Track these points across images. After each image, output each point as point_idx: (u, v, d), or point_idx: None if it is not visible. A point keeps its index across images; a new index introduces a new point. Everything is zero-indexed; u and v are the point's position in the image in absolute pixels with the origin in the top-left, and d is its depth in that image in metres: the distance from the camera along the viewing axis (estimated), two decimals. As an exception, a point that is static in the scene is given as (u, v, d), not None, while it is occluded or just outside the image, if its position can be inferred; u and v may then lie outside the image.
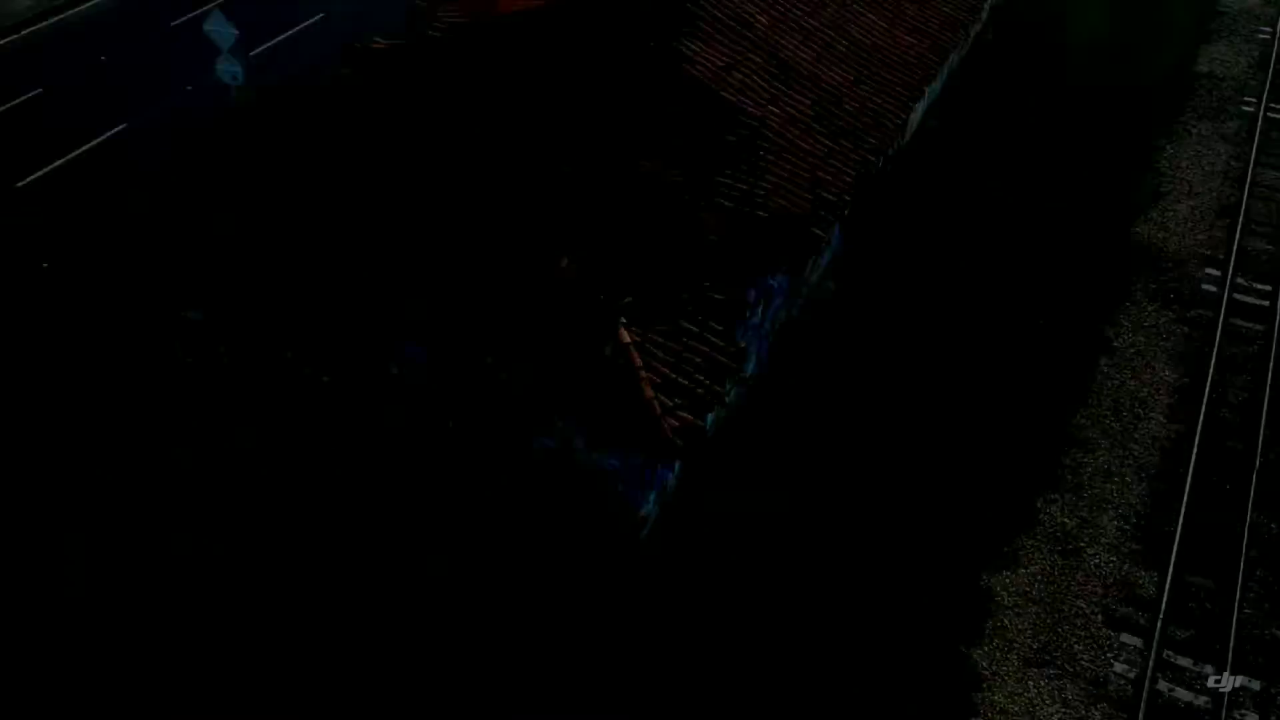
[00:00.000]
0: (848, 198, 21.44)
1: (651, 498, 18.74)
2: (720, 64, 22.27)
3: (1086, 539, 19.52)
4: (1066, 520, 19.86)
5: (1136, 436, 21.42)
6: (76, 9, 34.30)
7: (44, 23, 33.53)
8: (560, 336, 17.50)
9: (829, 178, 21.38)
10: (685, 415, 16.97)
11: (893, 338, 23.43)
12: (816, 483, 20.23)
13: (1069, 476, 20.67)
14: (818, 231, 20.24)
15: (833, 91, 23.21)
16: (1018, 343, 23.42)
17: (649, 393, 16.84)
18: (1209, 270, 25.38)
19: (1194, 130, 30.37)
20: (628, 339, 17.34)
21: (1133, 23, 34.92)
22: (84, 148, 27.75)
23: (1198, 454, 20.90)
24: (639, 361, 17.12)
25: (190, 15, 33.59)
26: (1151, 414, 21.88)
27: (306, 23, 33.92)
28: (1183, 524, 19.62)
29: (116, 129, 28.52)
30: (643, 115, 21.66)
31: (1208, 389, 22.12)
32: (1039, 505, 20.13)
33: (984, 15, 32.96)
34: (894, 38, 25.49)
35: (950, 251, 25.73)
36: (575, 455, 18.25)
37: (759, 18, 23.77)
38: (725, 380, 17.89)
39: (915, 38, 25.86)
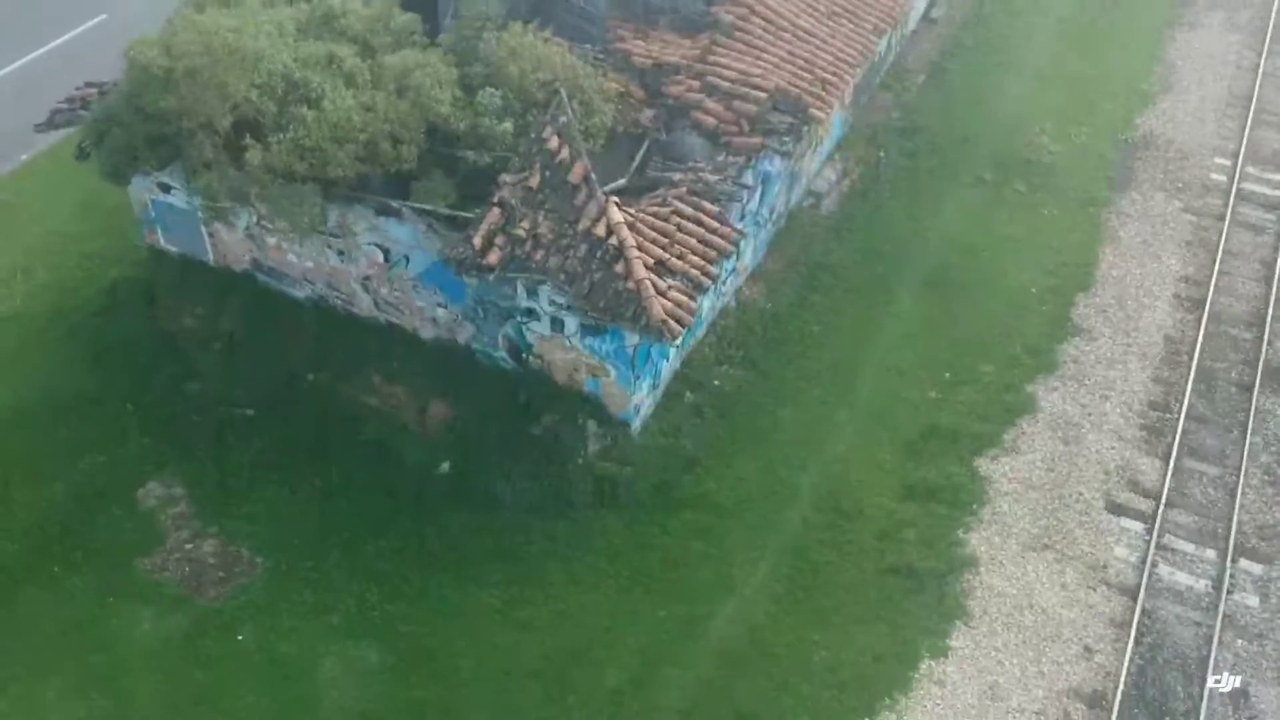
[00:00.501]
0: (848, 77, 20.73)
1: (645, 384, 18.37)
2: (716, -59, 21.40)
3: (1089, 425, 19.17)
4: (1069, 407, 19.50)
5: (1141, 325, 21.00)
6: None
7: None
8: (552, 215, 16.97)
9: (829, 57, 20.65)
10: (679, 295, 16.51)
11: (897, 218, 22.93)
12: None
13: (1071, 365, 20.26)
14: (817, 110, 19.57)
15: (833, -29, 22.34)
16: (1022, 234, 22.87)
17: (641, 272, 16.34)
18: (1218, 160, 24.71)
19: (1205, 21, 29.48)
20: (619, 217, 16.80)
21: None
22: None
23: (1203, 341, 20.47)
24: (631, 240, 16.60)
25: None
26: (1157, 303, 21.42)
27: None
28: (1186, 411, 19.26)
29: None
30: (636, -7, 20.93)
31: (1215, 277, 21.67)
32: (1040, 393, 19.74)
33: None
34: (897, -82, 24.48)
35: (961, 140, 25.09)
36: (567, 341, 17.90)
37: (757, -106, 22.80)
38: (720, 262, 17.40)
39: (919, -82, 24.89)
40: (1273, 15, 29.31)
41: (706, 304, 19.87)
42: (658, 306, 16.13)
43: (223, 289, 20.26)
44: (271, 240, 19.60)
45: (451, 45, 18.71)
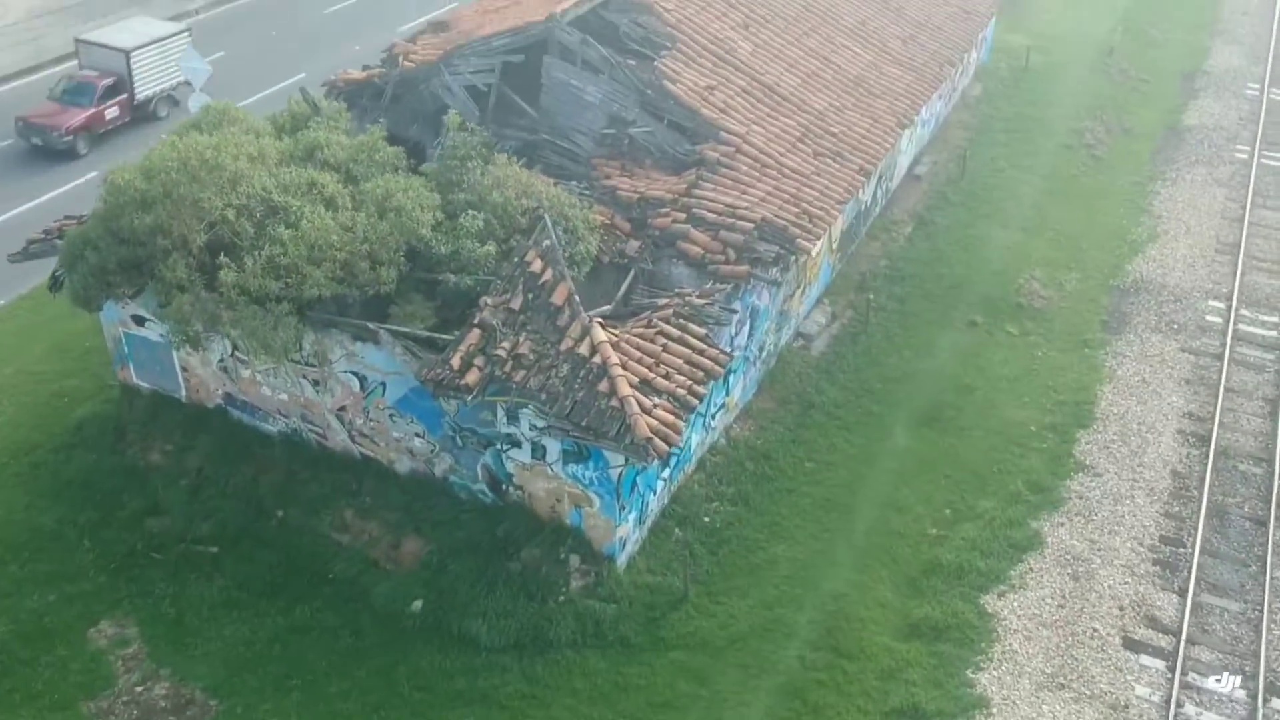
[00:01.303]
0: (835, 212, 20.61)
1: (631, 516, 17.47)
2: (702, 84, 21.69)
3: (1100, 561, 18.18)
4: (1077, 543, 18.55)
5: (1146, 461, 20.24)
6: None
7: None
8: (534, 335, 16.46)
9: (815, 193, 20.58)
10: (666, 414, 15.83)
11: (891, 363, 22.45)
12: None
13: (1077, 500, 19.42)
14: (804, 241, 19.34)
15: (817, 114, 22.59)
16: (1018, 374, 22.41)
17: (625, 389, 15.71)
18: (1212, 303, 24.48)
19: (1186, 177, 29.86)
20: (603, 336, 16.29)
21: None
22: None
23: (1212, 476, 19.69)
24: (615, 358, 16.04)
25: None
26: (1161, 439, 20.72)
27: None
28: (1200, 546, 18.32)
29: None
30: (623, 130, 21.05)
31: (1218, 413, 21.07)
32: (1046, 529, 18.82)
33: (969, 66, 32.81)
34: (880, 70, 25.02)
35: (950, 287, 24.92)
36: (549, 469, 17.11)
37: (741, 45, 23.30)
38: (707, 381, 16.78)
39: (901, 70, 25.41)
40: (1253, 169, 29.72)
41: (695, 438, 19.19)
42: (643, 424, 15.43)
43: (193, 424, 19.58)
44: (245, 373, 19.04)
45: (435, 174, 18.63)
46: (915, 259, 25.94)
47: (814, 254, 22.54)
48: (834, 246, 24.16)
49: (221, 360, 19.09)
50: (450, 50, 22.34)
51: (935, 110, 30.32)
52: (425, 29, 25.56)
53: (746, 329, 20.21)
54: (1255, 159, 30.32)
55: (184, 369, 19.62)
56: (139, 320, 19.41)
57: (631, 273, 19.03)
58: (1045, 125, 32.34)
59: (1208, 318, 24.08)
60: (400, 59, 23.31)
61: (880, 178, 26.34)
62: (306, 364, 18.20)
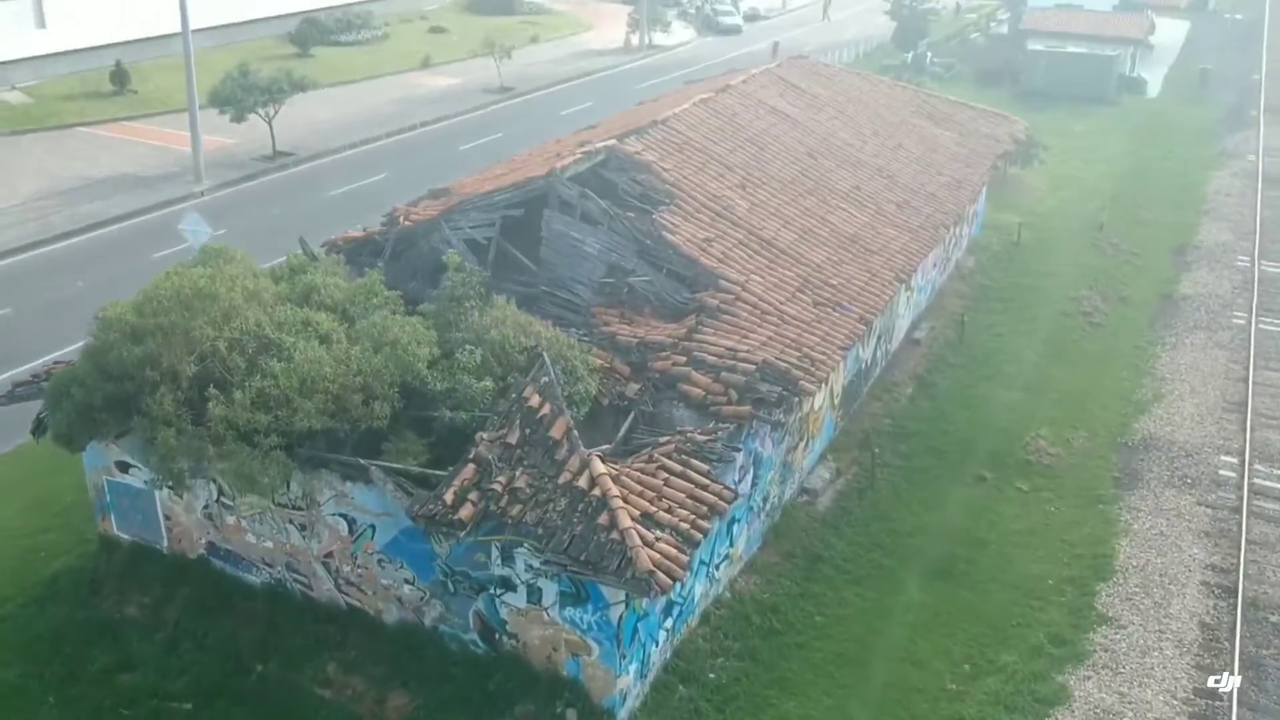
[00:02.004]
0: (837, 358, 20.33)
1: (632, 667, 16.44)
2: (700, 236, 21.79)
3: (1131, 715, 17.04)
4: (1106, 697, 17.44)
5: (1172, 612, 19.31)
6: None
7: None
8: (531, 470, 15.87)
9: (816, 339, 20.35)
10: (669, 548, 15.07)
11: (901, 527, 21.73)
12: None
13: (1102, 653, 18.39)
14: (807, 384, 18.96)
15: (815, 267, 22.63)
16: (1031, 528, 21.69)
17: (626, 522, 15.02)
18: (1225, 458, 23.96)
19: (1187, 341, 29.82)
20: (602, 469, 15.70)
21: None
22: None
23: (1243, 628, 18.74)
24: (615, 491, 15.40)
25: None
26: (1185, 590, 19.84)
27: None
28: (1237, 698, 17.22)
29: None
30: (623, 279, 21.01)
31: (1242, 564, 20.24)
32: (1072, 682, 17.74)
33: (963, 237, 33.27)
34: (876, 229, 25.25)
35: (956, 444, 24.43)
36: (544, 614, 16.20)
37: (738, 203, 23.57)
38: (711, 517, 16.08)
39: (897, 230, 25.64)
40: (1252, 333, 29.71)
41: (699, 589, 18.33)
42: (645, 557, 14.66)
43: (174, 576, 18.70)
44: (230, 519, 18.31)
45: (433, 314, 18.41)
46: (919, 417, 25.55)
47: (817, 407, 22.27)
48: (836, 402, 23.82)
49: (206, 506, 18.40)
50: (451, 206, 22.56)
51: (931, 278, 30.60)
52: (426, 195, 25.90)
53: (750, 476, 19.60)
54: (1253, 324, 30.36)
55: (167, 517, 18.89)
56: (123, 466, 18.81)
57: (631, 414, 18.57)
58: (1041, 294, 32.54)
59: (1221, 472, 23.51)
60: (400, 219, 23.51)
61: (879, 337, 26.27)
62: (294, 507, 17.52)
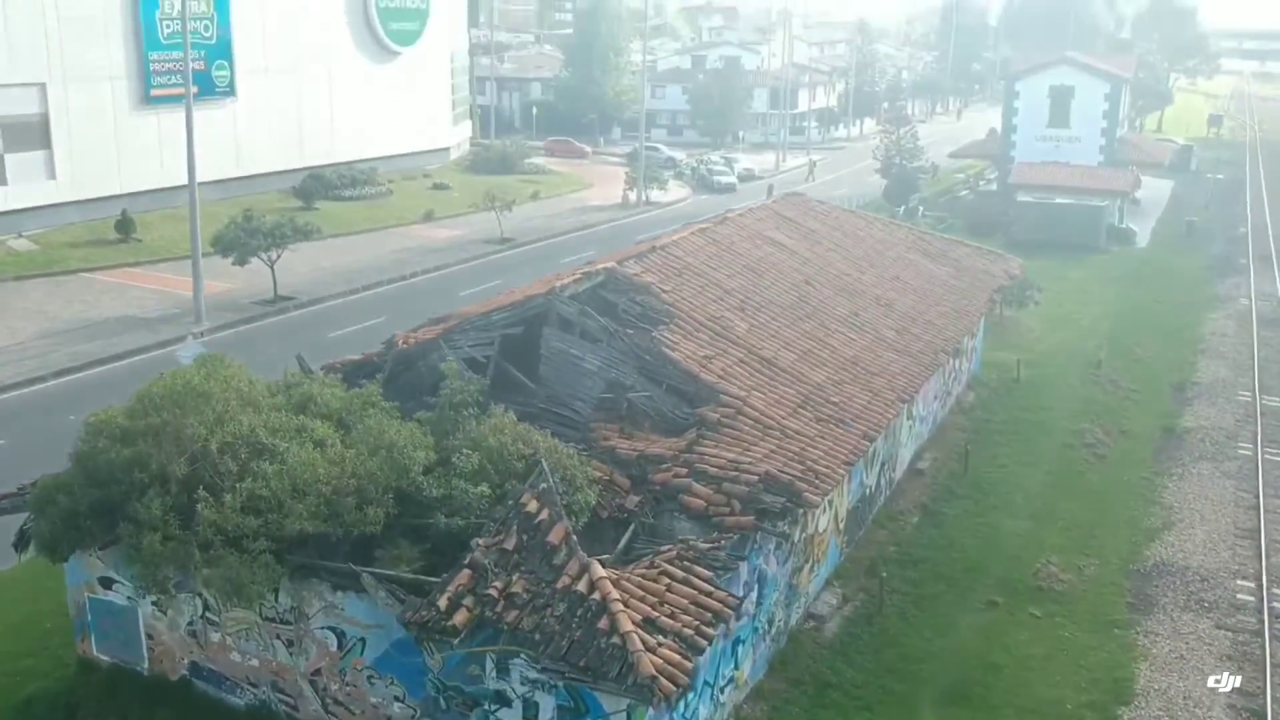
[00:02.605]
0: (841, 472, 19.95)
1: (633, 787, 15.52)
2: (701, 354, 21.68)
3: (1164, 841, 16.05)
4: (1135, 822, 16.47)
5: (1199, 736, 18.43)
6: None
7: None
8: (528, 575, 15.33)
9: (819, 453, 20.01)
10: (672, 654, 14.42)
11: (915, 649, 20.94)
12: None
13: (1130, 776, 17.47)
14: (811, 495, 18.53)
15: (816, 386, 22.44)
16: (1046, 653, 20.92)
17: (627, 625, 14.41)
18: (1241, 582, 23.32)
19: (1193, 471, 29.45)
20: (602, 572, 15.16)
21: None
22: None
23: (1275, 751, 17.87)
24: (615, 594, 14.83)
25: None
26: (1210, 713, 18.98)
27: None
28: (1275, 825, 16.27)
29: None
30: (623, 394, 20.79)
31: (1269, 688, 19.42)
32: (1099, 808, 16.79)
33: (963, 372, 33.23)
34: (876, 353, 25.18)
35: (965, 571, 23.81)
36: (541, 728, 15.39)
37: (738, 324, 23.56)
38: (716, 624, 15.44)
39: (897, 355, 25.57)
40: (1259, 463, 29.37)
41: (704, 712, 17.48)
42: (647, 662, 14.00)
43: (153, 699, 17.86)
44: (215, 636, 17.61)
45: (430, 420, 18.12)
46: (926, 545, 24.96)
47: (822, 529, 21.78)
48: (841, 527, 23.31)
49: (190, 623, 17.71)
50: (450, 327, 22.52)
51: (932, 410, 30.43)
52: (426, 323, 25.89)
53: (755, 595, 18.97)
54: (1260, 455, 30.05)
55: (149, 635, 18.16)
56: (106, 583, 18.20)
57: (632, 526, 18.09)
58: (1043, 428, 32.30)
59: (1239, 596, 22.84)
60: (400, 343, 23.43)
61: (883, 465, 25.93)
62: (281, 620, 16.86)
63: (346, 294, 46.64)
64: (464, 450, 16.86)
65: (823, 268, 28.49)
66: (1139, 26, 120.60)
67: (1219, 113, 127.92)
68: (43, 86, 50.49)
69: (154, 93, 55.39)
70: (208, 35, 57.99)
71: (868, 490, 24.93)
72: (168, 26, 55.32)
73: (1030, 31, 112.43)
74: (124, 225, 51.56)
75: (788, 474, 18.80)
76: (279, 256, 43.52)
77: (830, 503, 22.13)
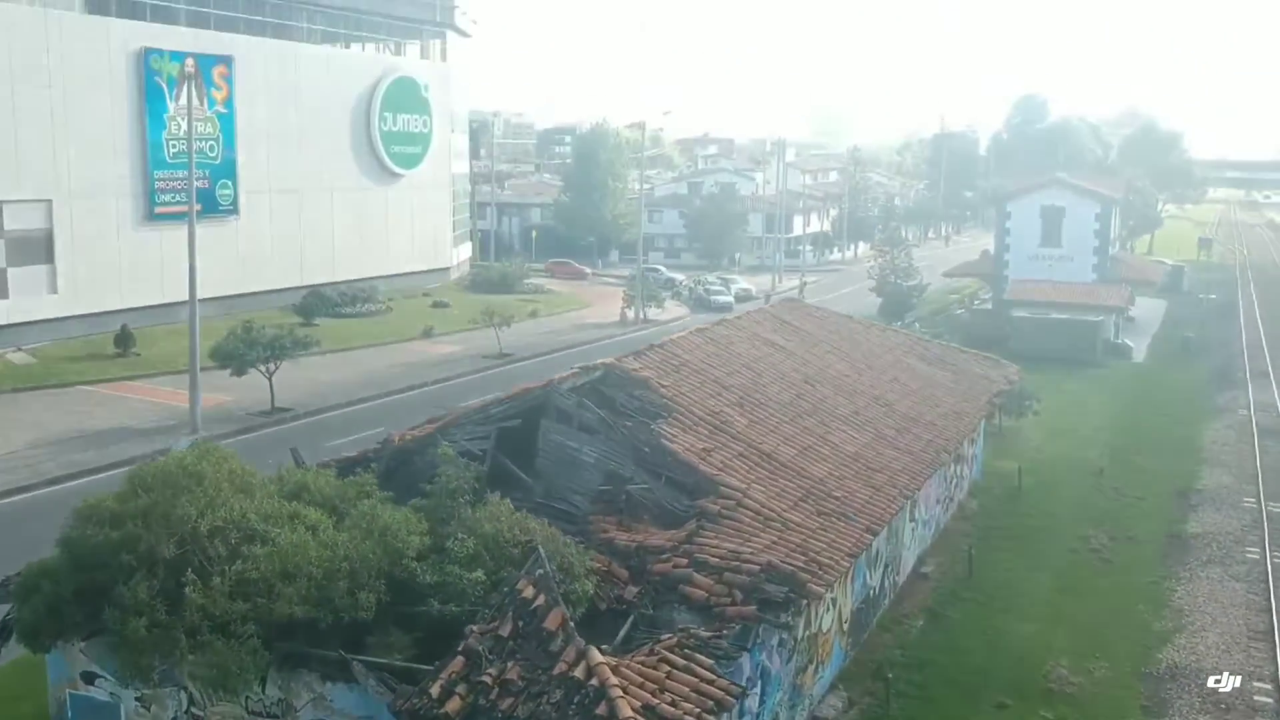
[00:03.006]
0: (845, 563, 19.54)
1: None
2: (700, 446, 21.46)
3: None
4: None
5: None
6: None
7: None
8: (524, 661, 14.86)
9: (822, 545, 19.64)
10: (671, 741, 13.89)
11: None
12: None
13: None
14: (815, 586, 18.10)
15: (817, 480, 22.18)
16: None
17: (627, 712, 13.90)
18: (1258, 684, 22.67)
19: (1202, 574, 28.94)
20: (599, 658, 14.69)
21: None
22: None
23: None
24: (614, 680, 14.34)
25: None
26: (1234, 816, 18.23)
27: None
28: None
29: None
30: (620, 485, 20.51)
31: (1293, 790, 18.70)
32: None
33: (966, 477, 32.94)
34: (877, 450, 24.97)
35: (973, 673, 23.17)
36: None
37: (737, 419, 23.40)
38: (719, 714, 14.90)
39: (898, 452, 25.34)
40: (1268, 566, 28.89)
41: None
42: (646, 749, 13.49)
43: (130, 803, 17.14)
44: (199, 733, 16.99)
45: (425, 508, 17.81)
46: (932, 648, 24.34)
47: (826, 629, 21.27)
48: (845, 628, 22.75)
49: (175, 717, 17.09)
50: (448, 421, 22.35)
51: (935, 514, 30.05)
52: (424, 421, 25.71)
53: (758, 694, 18.39)
54: (1268, 558, 29.57)
55: (130, 735, 17.53)
56: (89, 678, 17.62)
57: (631, 617, 17.63)
58: (1047, 533, 31.81)
59: (1256, 698, 22.18)
60: (396, 440, 23.22)
61: (887, 567, 25.48)
62: (268, 714, 16.28)
63: (344, 406, 46.48)
64: (459, 535, 16.51)
65: (821, 368, 28.46)
66: (1126, 154, 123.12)
67: (1209, 236, 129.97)
68: (49, 202, 51.26)
69: (158, 210, 56.27)
70: (213, 155, 59.16)
71: (872, 591, 24.43)
72: (174, 146, 56.47)
73: (1019, 160, 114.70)
74: (123, 339, 51.73)
75: (790, 565, 18.42)
76: (277, 368, 43.51)
77: (834, 601, 21.67)
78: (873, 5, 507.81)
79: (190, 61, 49.39)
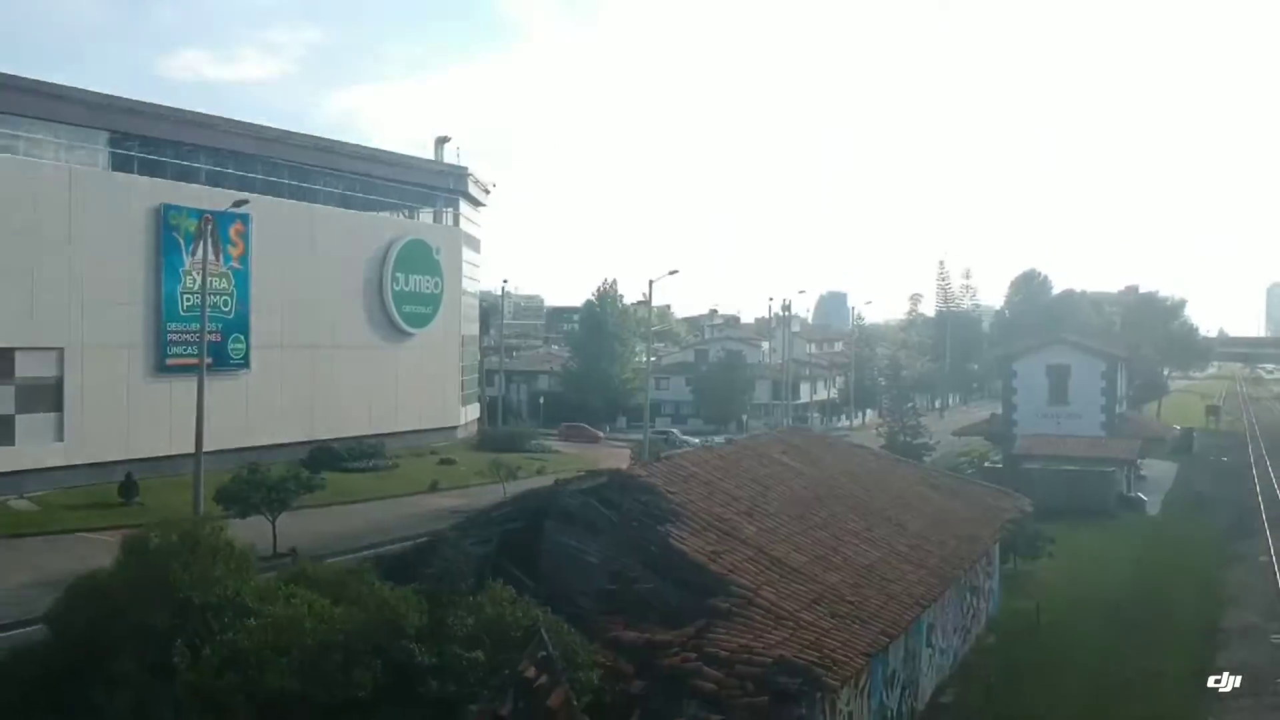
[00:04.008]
0: (859, 661, 18.78)
1: None
2: (709, 549, 20.95)
3: None
4: None
5: None
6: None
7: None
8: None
9: (836, 644, 18.92)
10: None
11: None
12: None
13: None
14: (830, 679, 17.35)
15: (830, 586, 21.55)
16: None
17: (632, 785, 13.13)
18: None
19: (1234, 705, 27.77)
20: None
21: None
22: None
23: None
24: (619, 754, 13.61)
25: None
26: None
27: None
28: None
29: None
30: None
31: None
32: None
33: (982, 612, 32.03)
34: (890, 564, 24.35)
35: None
36: None
37: (746, 526, 22.93)
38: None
39: (912, 566, 24.69)
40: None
41: None
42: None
43: None
44: (179, 831, 16.00)
45: (425, 591, 17.26)
46: (953, 774, 23.20)
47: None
48: (861, 743, 21.72)
49: (154, 814, 16.15)
50: (450, 529, 21.93)
51: (953, 644, 29.11)
52: (425, 534, 25.29)
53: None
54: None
55: (107, 833, 16.52)
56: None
57: (637, 712, 16.86)
58: (1069, 666, 30.68)
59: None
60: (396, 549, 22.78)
61: (904, 689, 24.49)
62: (253, 806, 15.37)
63: (347, 553, 45.56)
64: (460, 613, 15.96)
65: (832, 488, 28.05)
66: (1129, 322, 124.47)
67: (1216, 404, 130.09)
68: (61, 351, 51.69)
69: (169, 362, 56.67)
70: (226, 310, 59.95)
71: (889, 713, 23.41)
72: (188, 300, 57.28)
73: (1023, 333, 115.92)
74: (127, 489, 51.29)
75: (804, 659, 17.73)
76: (281, 512, 42.99)
77: (850, 716, 20.74)
78: (875, 191, 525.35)
79: (208, 218, 50.48)
